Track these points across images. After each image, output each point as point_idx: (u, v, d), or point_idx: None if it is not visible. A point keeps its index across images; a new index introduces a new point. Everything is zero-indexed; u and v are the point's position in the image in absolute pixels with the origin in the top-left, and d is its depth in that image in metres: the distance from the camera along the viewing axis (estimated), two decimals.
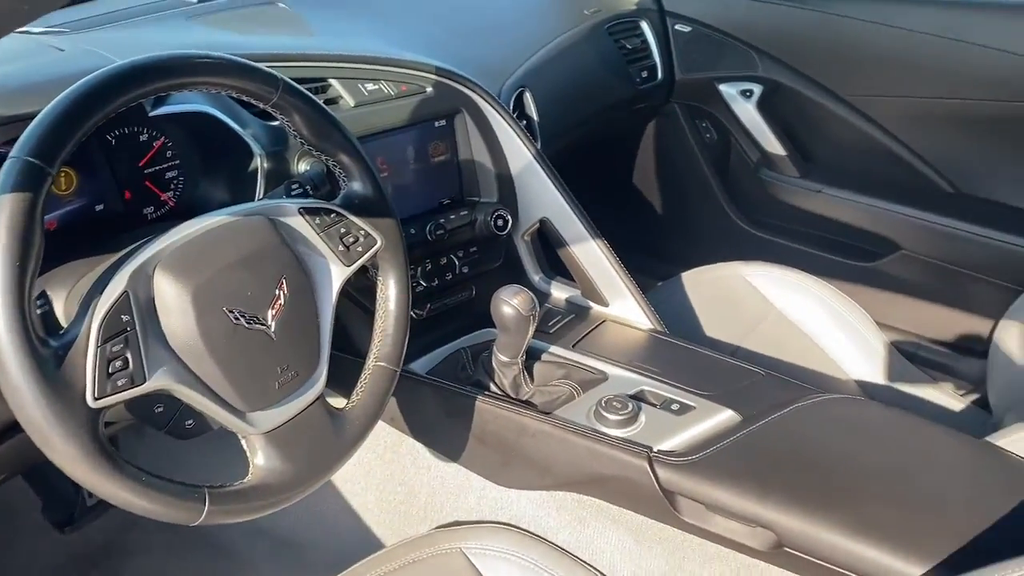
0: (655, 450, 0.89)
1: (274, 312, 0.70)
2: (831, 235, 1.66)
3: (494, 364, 1.00)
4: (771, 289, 1.47)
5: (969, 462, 0.89)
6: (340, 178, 0.81)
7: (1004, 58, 1.40)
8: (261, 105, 0.73)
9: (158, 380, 0.63)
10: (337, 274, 0.77)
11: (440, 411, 1.03)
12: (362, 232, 0.79)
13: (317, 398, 0.74)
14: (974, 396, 1.48)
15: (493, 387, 1.01)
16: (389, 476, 1.12)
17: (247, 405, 0.69)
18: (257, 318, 0.69)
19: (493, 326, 1.11)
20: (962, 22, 1.44)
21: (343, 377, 0.86)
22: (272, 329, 0.70)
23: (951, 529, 0.79)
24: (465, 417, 1.00)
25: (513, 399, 0.99)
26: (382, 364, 0.81)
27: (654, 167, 1.82)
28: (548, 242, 1.19)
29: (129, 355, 0.61)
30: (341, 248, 0.77)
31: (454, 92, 1.11)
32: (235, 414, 0.68)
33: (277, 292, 0.70)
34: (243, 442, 0.70)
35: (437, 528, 1.04)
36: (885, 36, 1.51)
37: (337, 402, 0.78)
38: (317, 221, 0.76)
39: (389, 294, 0.83)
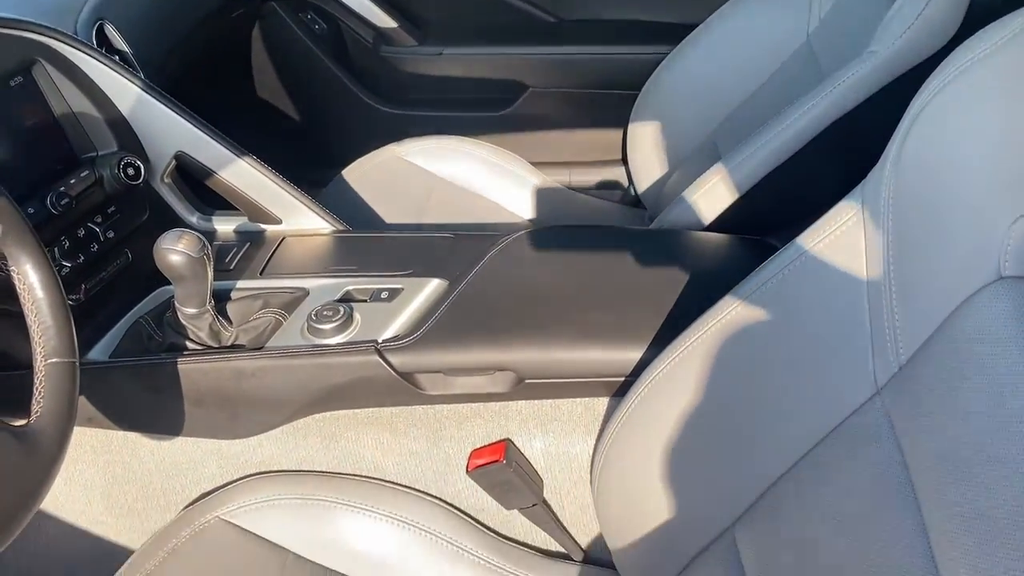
0: (380, 341, 0.88)
1: None
2: (465, 92, 1.70)
3: (182, 320, 0.91)
4: (429, 161, 1.50)
5: (650, 250, 0.99)
6: None
7: None
8: None
9: None
10: None
11: (141, 391, 0.93)
12: None
13: None
14: (628, 197, 1.64)
15: (191, 344, 0.92)
16: (111, 479, 1.00)
17: None
18: None
19: (166, 283, 1.02)
20: None
21: (17, 393, 0.74)
22: None
23: (655, 310, 0.88)
24: (172, 387, 0.91)
25: (217, 348, 0.92)
26: (54, 360, 0.70)
27: (274, 73, 1.73)
28: (193, 177, 1.09)
29: None
30: None
31: (21, 41, 0.94)
32: None
33: None
34: None
35: (185, 509, 0.96)
36: None
37: (20, 422, 0.67)
38: None
39: (31, 281, 0.71)
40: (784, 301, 0.70)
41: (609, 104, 1.66)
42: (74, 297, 0.95)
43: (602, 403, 0.87)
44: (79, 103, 0.99)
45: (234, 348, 0.92)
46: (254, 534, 0.91)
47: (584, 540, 0.95)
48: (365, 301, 0.95)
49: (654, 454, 0.78)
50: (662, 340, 0.79)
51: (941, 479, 0.53)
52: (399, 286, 0.97)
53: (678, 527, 0.79)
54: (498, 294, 0.92)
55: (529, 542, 0.96)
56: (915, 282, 0.59)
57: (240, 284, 1.00)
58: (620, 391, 0.85)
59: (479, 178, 1.50)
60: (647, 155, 1.54)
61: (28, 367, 0.72)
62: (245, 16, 1.62)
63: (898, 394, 0.61)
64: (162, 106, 1.02)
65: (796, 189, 1.04)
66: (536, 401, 0.89)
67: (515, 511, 0.94)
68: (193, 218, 1.11)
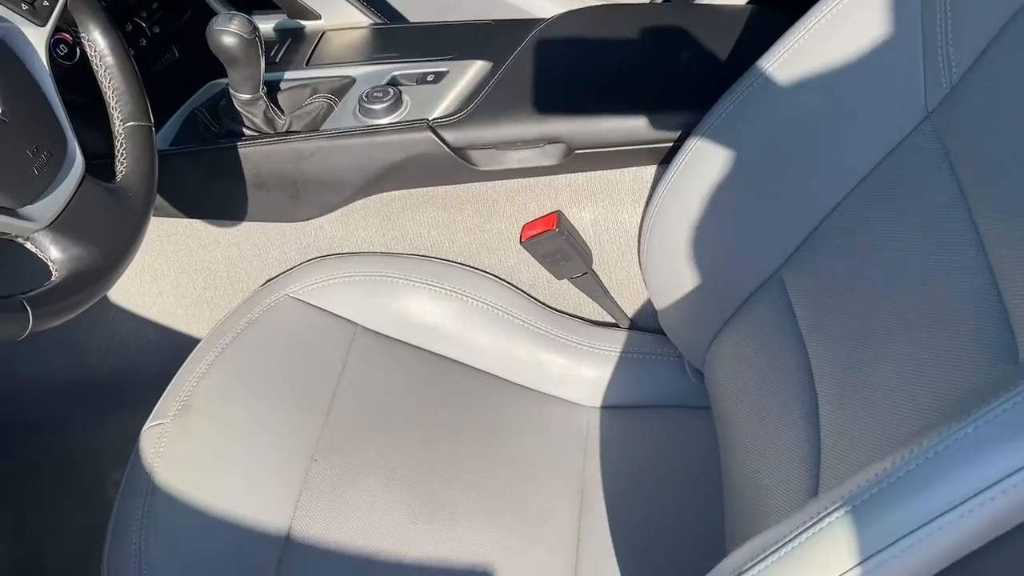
0: (431, 118, 0.90)
1: None
2: None
3: (237, 107, 0.93)
4: None
5: (690, 23, 0.99)
6: None
7: None
8: None
9: None
10: (36, 38, 0.66)
11: (203, 178, 0.96)
12: None
13: (83, 175, 0.66)
14: None
15: (247, 131, 0.95)
16: (179, 268, 1.06)
17: (15, 201, 0.60)
18: None
19: (214, 78, 1.03)
20: None
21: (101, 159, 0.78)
22: (0, 111, 0.60)
23: (699, 76, 0.89)
24: (233, 171, 0.94)
25: (273, 133, 0.95)
26: (132, 124, 0.73)
27: None
28: None
29: None
30: (24, 7, 0.66)
31: None
32: (7, 215, 0.60)
33: None
34: (28, 245, 0.63)
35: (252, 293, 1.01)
36: None
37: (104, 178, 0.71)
38: None
39: (101, 47, 0.73)
40: (832, 38, 0.71)
41: None
42: (79, 98, 0.97)
43: (649, 171, 0.90)
44: None
45: (289, 133, 0.95)
46: (323, 309, 0.97)
47: (631, 308, 1.00)
48: (413, 84, 0.97)
49: (701, 210, 0.82)
50: (707, 103, 0.81)
51: (1000, 195, 0.56)
52: (444, 69, 0.98)
53: (725, 276, 0.83)
54: (544, 71, 0.93)
55: (578, 313, 1.02)
56: None
57: (288, 75, 1.02)
58: (667, 158, 0.88)
59: None
60: None
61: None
62: None
63: (948, 115, 0.63)
64: None
65: None
66: (585, 173, 0.92)
67: (565, 284, 0.99)
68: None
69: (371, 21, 1.10)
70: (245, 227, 1.01)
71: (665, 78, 0.90)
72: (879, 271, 0.66)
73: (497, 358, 0.97)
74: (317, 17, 1.09)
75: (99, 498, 1.16)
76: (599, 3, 1.05)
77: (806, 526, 0.46)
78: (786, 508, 0.67)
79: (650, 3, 1.05)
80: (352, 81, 1.00)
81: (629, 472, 0.91)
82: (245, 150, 0.93)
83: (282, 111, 0.97)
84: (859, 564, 0.43)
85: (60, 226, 0.63)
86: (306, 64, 1.03)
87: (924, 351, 0.58)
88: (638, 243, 0.91)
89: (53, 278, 0.62)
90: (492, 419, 0.93)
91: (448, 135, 0.89)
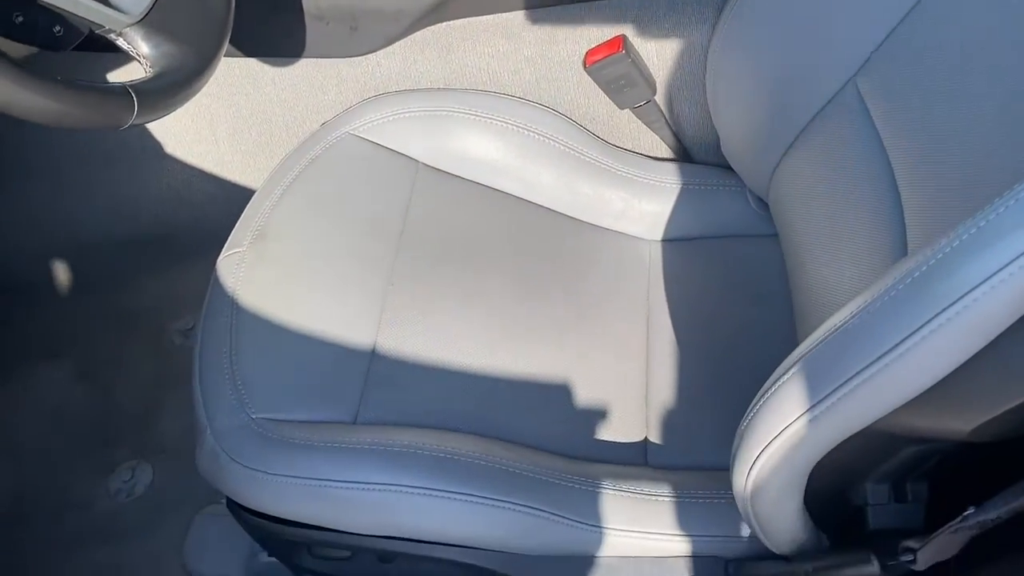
0: None
1: None
2: None
3: None
4: None
5: None
6: None
7: None
8: None
9: None
10: None
11: (260, 10, 0.95)
12: None
13: None
14: None
15: None
16: (235, 113, 1.05)
17: None
18: None
19: None
20: None
21: None
22: None
23: None
24: (291, 3, 0.93)
25: None
26: None
27: None
28: None
29: None
30: None
31: None
32: (102, 2, 0.59)
33: None
34: (121, 41, 0.62)
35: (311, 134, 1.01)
36: None
37: None
38: None
39: None
40: None
41: None
42: None
43: None
44: None
45: None
46: (385, 147, 0.97)
47: (691, 140, 1.00)
48: None
49: (770, 23, 0.81)
50: None
51: None
52: None
53: (795, 91, 0.83)
54: None
55: (637, 149, 1.02)
56: None
57: None
58: None
59: None
60: None
61: None
62: None
63: None
64: None
65: None
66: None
67: (624, 117, 0.98)
68: None
69: None
70: (302, 65, 1.00)
71: None
72: (961, 63, 0.66)
73: (558, 193, 0.98)
74: None
75: (161, 347, 1.19)
76: None
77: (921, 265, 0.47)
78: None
79: None
80: None
81: (693, 297, 0.92)
82: None
83: None
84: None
85: (151, 22, 0.62)
86: None
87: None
88: (704, 66, 0.90)
89: (151, 73, 0.62)
90: (556, 251, 0.94)
91: None
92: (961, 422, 0.50)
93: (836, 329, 0.50)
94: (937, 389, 0.47)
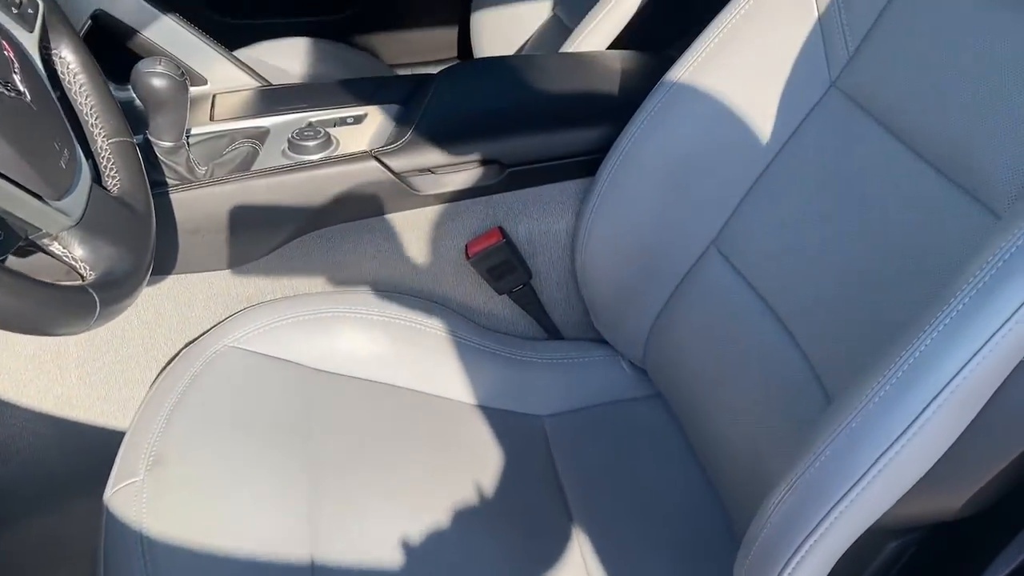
0: (371, 149, 0.93)
1: (19, 76, 0.56)
2: None
3: (159, 156, 0.90)
4: (289, 64, 1.51)
5: (579, 64, 1.12)
6: None
7: None
8: None
9: None
10: (28, 43, 0.62)
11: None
12: None
13: (92, 179, 0.62)
14: None
15: (170, 181, 0.92)
16: (86, 341, 0.96)
17: (51, 191, 0.56)
18: (9, 82, 0.54)
19: None
20: None
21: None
22: (28, 97, 0.56)
23: (610, 96, 1.01)
24: (163, 219, 0.90)
25: (204, 178, 0.92)
26: (115, 140, 0.70)
27: None
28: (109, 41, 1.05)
29: None
30: (14, 11, 0.62)
31: None
32: (47, 204, 0.55)
33: (6, 55, 0.56)
34: (55, 246, 0.58)
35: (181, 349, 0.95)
36: None
37: None
38: None
39: (74, 65, 0.69)
40: (734, 51, 0.85)
41: (447, 1, 1.76)
42: None
43: (577, 183, 0.99)
44: None
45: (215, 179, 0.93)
46: (270, 356, 0.93)
47: (563, 319, 1.06)
48: (335, 126, 0.99)
49: (633, 207, 0.92)
50: (621, 119, 0.92)
51: (912, 110, 0.72)
52: (361, 112, 1.02)
53: (661, 261, 0.92)
54: (468, 101, 1.00)
55: (514, 332, 1.06)
56: None
57: (196, 130, 1.00)
58: (592, 169, 0.97)
59: (339, 73, 1.54)
60: (491, 41, 1.66)
61: None
62: None
63: (850, 77, 0.79)
64: None
65: (680, 6, 1.22)
66: (519, 191, 0.99)
67: (500, 304, 1.03)
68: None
69: (257, 83, 1.11)
70: (169, 283, 0.95)
71: (582, 100, 1.01)
72: (819, 201, 0.79)
73: (450, 381, 0.98)
74: (203, 82, 1.09)
75: None
76: None
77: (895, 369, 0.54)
78: (795, 434, 0.75)
79: (536, 55, 1.17)
80: (267, 131, 1.00)
81: (598, 465, 0.95)
82: (178, 196, 0.89)
83: (199, 162, 0.95)
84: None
85: (87, 225, 0.58)
86: (210, 120, 1.02)
87: (895, 233, 0.70)
88: (572, 251, 0.98)
89: (86, 278, 0.57)
90: (461, 439, 0.94)
91: (391, 161, 0.92)
92: (953, 498, 0.56)
93: (817, 458, 0.55)
94: (929, 473, 0.53)
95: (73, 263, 0.58)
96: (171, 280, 0.95)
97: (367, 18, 1.73)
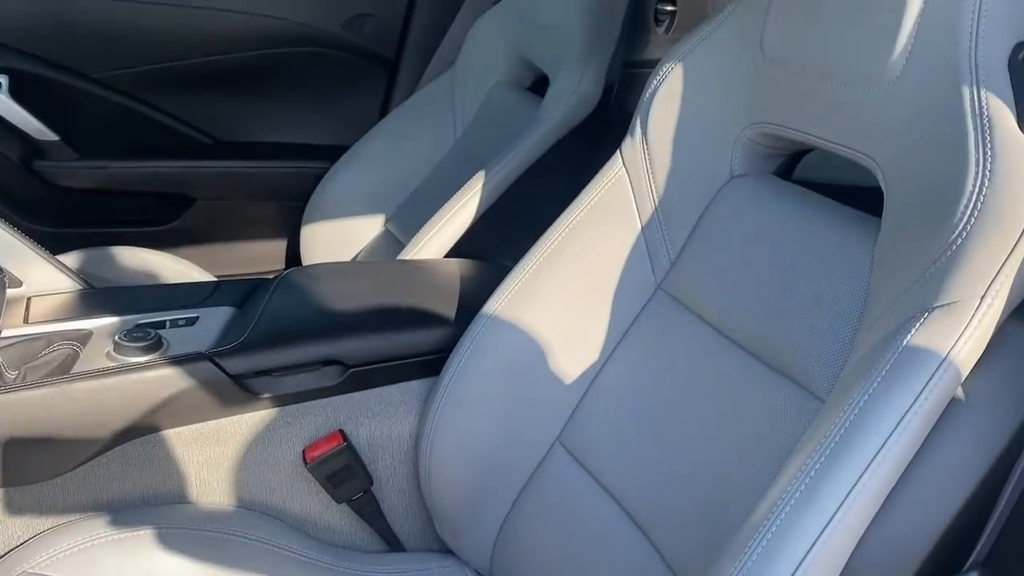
0: (207, 350, 0.90)
1: None
2: (129, 208, 1.69)
3: None
4: (111, 273, 1.47)
5: (417, 269, 1.16)
6: None
7: (221, 17, 1.65)
8: None
9: None
10: None
11: None
12: None
13: None
14: None
15: None
16: None
17: None
18: None
19: None
20: None
21: None
22: None
23: (449, 302, 1.04)
24: None
25: (11, 384, 0.84)
26: None
27: None
28: None
29: None
30: None
31: None
32: None
33: None
34: None
35: None
36: (116, 13, 1.59)
37: None
38: None
39: None
40: (566, 260, 0.92)
41: (277, 215, 1.79)
42: None
43: (420, 384, 0.99)
44: None
45: (27, 385, 0.85)
46: None
47: (405, 529, 1.02)
48: (165, 327, 0.95)
49: (476, 410, 0.93)
50: (463, 320, 0.96)
51: (729, 306, 0.80)
52: (193, 314, 0.99)
53: (505, 464, 0.92)
54: (308, 303, 1.00)
55: (351, 545, 1.00)
56: (675, 200, 0.87)
57: (7, 332, 0.92)
58: (436, 369, 0.98)
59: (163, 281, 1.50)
60: (324, 254, 1.69)
61: None
62: None
63: (674, 280, 0.87)
64: None
65: (511, 223, 1.30)
66: (360, 392, 0.97)
67: (341, 510, 0.98)
68: None
69: (77, 286, 1.06)
70: None
71: (423, 302, 1.03)
72: (663, 390, 0.83)
73: None
74: (18, 284, 1.02)
75: None
76: None
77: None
78: None
79: (378, 260, 1.20)
80: (89, 333, 0.94)
81: None
82: None
83: (8, 367, 0.87)
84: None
85: None
86: (25, 322, 0.95)
87: (730, 419, 0.75)
88: (415, 454, 0.96)
89: None
90: None
91: (227, 363, 0.89)
92: None
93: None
94: None
95: None
96: None
97: (192, 230, 1.72)
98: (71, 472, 0.86)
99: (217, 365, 0.88)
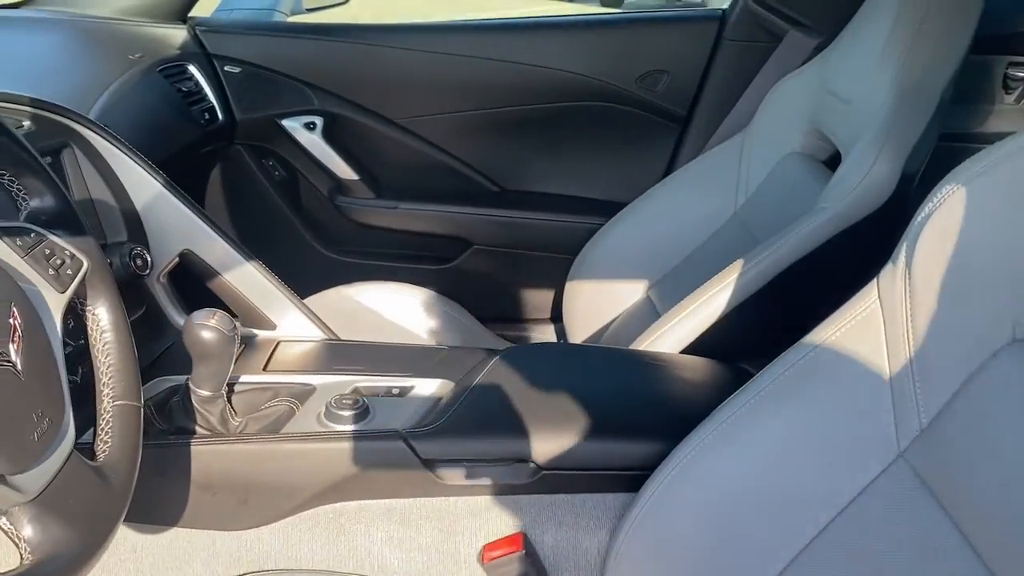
0: (403, 429, 0.90)
1: (15, 346, 0.56)
2: (413, 245, 1.79)
3: (194, 403, 0.90)
4: (380, 302, 1.55)
5: (633, 364, 1.08)
6: (18, 198, 0.67)
7: (518, 69, 1.69)
8: None
9: None
10: (54, 303, 0.64)
11: (146, 475, 0.88)
12: (67, 253, 0.67)
13: (71, 450, 0.60)
14: None
15: (199, 429, 0.90)
16: None
17: (11, 466, 0.54)
18: (1, 354, 0.54)
19: (157, 375, 1.01)
20: (481, 42, 1.70)
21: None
22: (19, 367, 0.55)
23: (661, 412, 0.95)
24: (180, 470, 0.88)
25: (228, 433, 0.90)
26: (121, 403, 0.69)
27: (227, 213, 1.76)
28: (180, 282, 1.10)
29: None
30: (51, 272, 0.64)
31: (57, 126, 0.97)
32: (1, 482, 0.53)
33: (12, 322, 0.56)
34: (2, 520, 0.55)
35: None
36: (418, 61, 1.70)
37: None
38: (19, 242, 0.63)
39: (104, 323, 0.71)
40: (801, 390, 0.79)
41: (545, 266, 1.79)
42: (72, 378, 0.92)
43: (615, 498, 0.91)
44: (98, 190, 1.01)
45: (246, 435, 0.91)
46: None
47: None
48: (378, 395, 0.97)
49: (671, 543, 0.83)
50: (674, 436, 0.86)
51: (991, 520, 0.62)
52: (409, 384, 1.00)
53: None
54: (513, 392, 0.96)
55: None
56: (936, 352, 0.71)
57: (245, 378, 1.00)
58: (634, 486, 0.89)
59: (423, 323, 1.56)
60: (584, 311, 1.66)
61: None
62: (213, 153, 1.67)
63: (923, 451, 0.70)
64: (179, 203, 1.05)
65: (766, 321, 1.17)
66: (550, 495, 0.92)
67: None
68: (182, 320, 1.10)
69: (325, 336, 1.12)
70: (172, 535, 0.91)
71: (636, 408, 0.95)
72: None
73: None
74: (272, 327, 1.11)
75: None
76: None
77: None
78: None
79: (608, 347, 1.14)
80: (313, 389, 0.99)
81: None
82: (198, 448, 0.87)
83: (236, 412, 0.94)
84: None
85: (43, 502, 0.56)
86: (263, 369, 1.02)
87: None
88: (602, 572, 0.89)
89: (25, 562, 0.54)
90: None
91: (420, 446, 0.88)
92: None
93: None
94: None
95: (16, 542, 0.55)
96: (173, 533, 0.91)
97: (467, 273, 1.78)
98: (265, 526, 0.91)
99: (410, 447, 0.88)
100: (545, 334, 1.83)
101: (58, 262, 0.65)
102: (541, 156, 1.81)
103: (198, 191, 1.74)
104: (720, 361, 1.12)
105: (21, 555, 0.55)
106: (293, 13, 1.89)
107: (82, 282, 0.68)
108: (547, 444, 0.90)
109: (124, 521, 0.90)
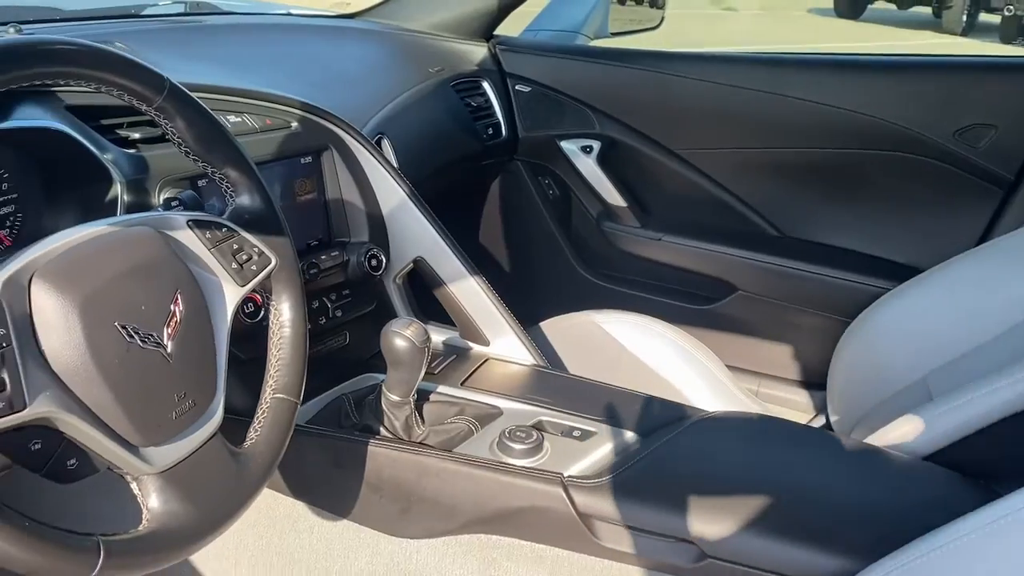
0: (567, 475, 0.86)
1: (170, 331, 0.61)
2: (673, 280, 1.73)
3: (383, 406, 0.93)
4: (624, 334, 1.50)
5: (855, 459, 0.94)
6: (227, 193, 0.74)
7: (816, 109, 1.55)
8: (143, 107, 0.66)
9: (39, 407, 0.53)
10: (231, 294, 0.69)
11: (326, 463, 0.94)
12: (256, 250, 0.72)
13: (215, 432, 0.65)
14: (818, 423, 1.57)
15: (383, 431, 0.94)
16: (264, 546, 1.00)
17: (142, 438, 0.59)
18: (152, 336, 0.60)
19: (371, 371, 1.06)
20: (778, 77, 1.59)
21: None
22: (169, 350, 0.61)
23: (861, 523, 0.81)
24: (356, 466, 0.92)
25: (407, 441, 0.93)
26: (281, 396, 0.73)
27: (500, 223, 1.83)
28: (419, 286, 1.15)
29: (6, 376, 0.51)
30: (234, 266, 0.70)
31: (321, 128, 1.06)
32: (128, 450, 0.58)
33: (172, 308, 0.62)
34: (133, 485, 0.60)
35: None
36: (709, 92, 1.63)
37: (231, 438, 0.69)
38: (208, 236, 0.69)
39: (285, 319, 0.76)
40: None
41: (815, 325, 1.63)
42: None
43: None
44: (349, 192, 1.09)
45: (423, 445, 0.92)
46: None
47: None
48: (557, 434, 0.94)
49: None
50: (872, 555, 0.72)
51: None
52: (593, 429, 0.95)
53: None
54: (696, 464, 0.88)
55: None
56: None
57: (441, 389, 1.02)
58: None
59: (667, 362, 1.48)
60: (851, 383, 1.48)
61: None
62: (493, 167, 1.75)
63: None
64: (419, 212, 1.10)
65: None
66: None
67: None
68: None
69: (534, 361, 1.11)
70: (343, 525, 0.96)
71: (832, 513, 0.82)
72: None
73: None
74: (486, 343, 1.12)
75: None
76: None
77: None
78: None
79: (828, 432, 1.01)
80: (499, 413, 0.99)
81: None
82: (375, 449, 0.91)
83: (423, 421, 0.96)
84: None
85: (171, 477, 0.61)
86: (461, 384, 1.04)
87: None
88: None
89: (141, 527, 0.59)
90: None
91: (579, 497, 0.84)
92: None
93: None
94: None
95: (143, 507, 0.60)
96: (346, 524, 0.95)
97: (726, 318, 1.67)
98: (424, 541, 0.92)
99: (568, 495, 0.84)
100: (802, 396, 1.66)
101: (244, 257, 0.71)
102: (829, 204, 1.65)
103: (477, 199, 1.82)
104: (969, 477, 0.93)
105: (142, 521, 0.60)
106: (597, 36, 1.90)
107: (267, 278, 0.73)
108: (717, 527, 0.81)
109: (307, 501, 0.97)
